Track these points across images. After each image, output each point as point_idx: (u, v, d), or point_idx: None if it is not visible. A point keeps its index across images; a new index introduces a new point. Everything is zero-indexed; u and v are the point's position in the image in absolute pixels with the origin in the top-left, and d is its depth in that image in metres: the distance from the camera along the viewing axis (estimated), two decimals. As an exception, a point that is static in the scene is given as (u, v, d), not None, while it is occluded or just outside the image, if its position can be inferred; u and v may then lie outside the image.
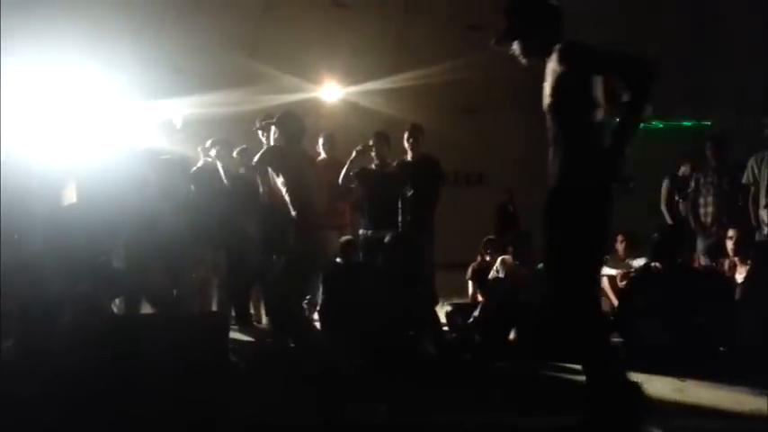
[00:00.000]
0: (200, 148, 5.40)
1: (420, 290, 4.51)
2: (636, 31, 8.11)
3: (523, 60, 2.55)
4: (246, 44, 8.24)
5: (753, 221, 4.50)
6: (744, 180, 4.61)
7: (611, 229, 2.52)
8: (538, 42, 2.49)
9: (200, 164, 5.23)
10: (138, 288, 4.08)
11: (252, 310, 5.25)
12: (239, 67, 7.51)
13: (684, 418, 2.96)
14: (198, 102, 6.83)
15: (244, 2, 8.22)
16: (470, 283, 5.25)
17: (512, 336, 4.35)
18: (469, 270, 5.30)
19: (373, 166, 5.29)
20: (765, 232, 4.38)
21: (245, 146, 5.23)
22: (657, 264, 4.23)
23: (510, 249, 4.81)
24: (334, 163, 5.64)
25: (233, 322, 4.87)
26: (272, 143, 4.02)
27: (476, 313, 4.60)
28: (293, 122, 3.86)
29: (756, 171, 4.51)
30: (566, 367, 3.82)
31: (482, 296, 4.90)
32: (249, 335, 4.80)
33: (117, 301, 4.26)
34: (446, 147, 6.15)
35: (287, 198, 3.74)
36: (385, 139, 5.27)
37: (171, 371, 2.93)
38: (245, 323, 4.95)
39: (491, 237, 5.37)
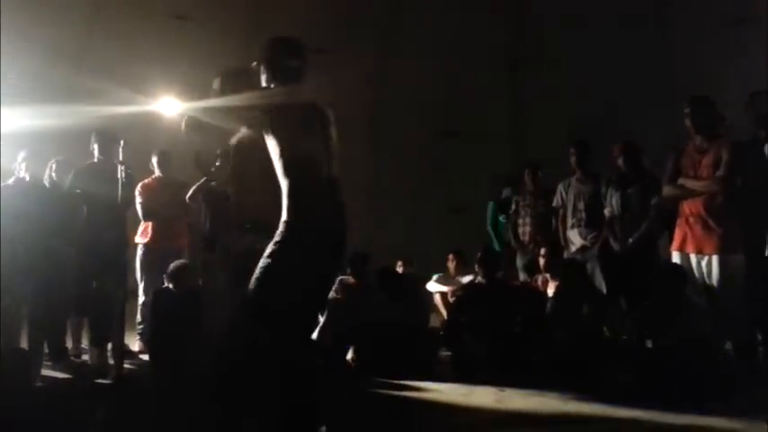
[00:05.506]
0: (14, 164, 4.81)
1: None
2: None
3: None
4: (72, 55, 7.55)
5: (561, 241, 5.02)
6: (554, 203, 5.14)
7: None
8: None
9: (10, 181, 4.66)
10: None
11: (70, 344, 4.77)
12: (63, 80, 6.83)
13: (504, 427, 3.17)
14: (16, 114, 6.09)
15: (68, 10, 7.55)
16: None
17: (349, 356, 4.39)
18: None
19: (214, 184, 5.13)
20: (572, 251, 4.90)
21: (60, 157, 4.74)
22: (481, 280, 4.54)
23: (349, 270, 4.88)
24: (169, 182, 5.37)
25: (46, 358, 4.38)
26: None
27: (314, 336, 4.58)
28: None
29: (564, 195, 5.05)
30: (404, 385, 3.92)
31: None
32: (66, 372, 4.34)
33: None
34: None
35: None
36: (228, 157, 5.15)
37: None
38: (61, 359, 4.47)
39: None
